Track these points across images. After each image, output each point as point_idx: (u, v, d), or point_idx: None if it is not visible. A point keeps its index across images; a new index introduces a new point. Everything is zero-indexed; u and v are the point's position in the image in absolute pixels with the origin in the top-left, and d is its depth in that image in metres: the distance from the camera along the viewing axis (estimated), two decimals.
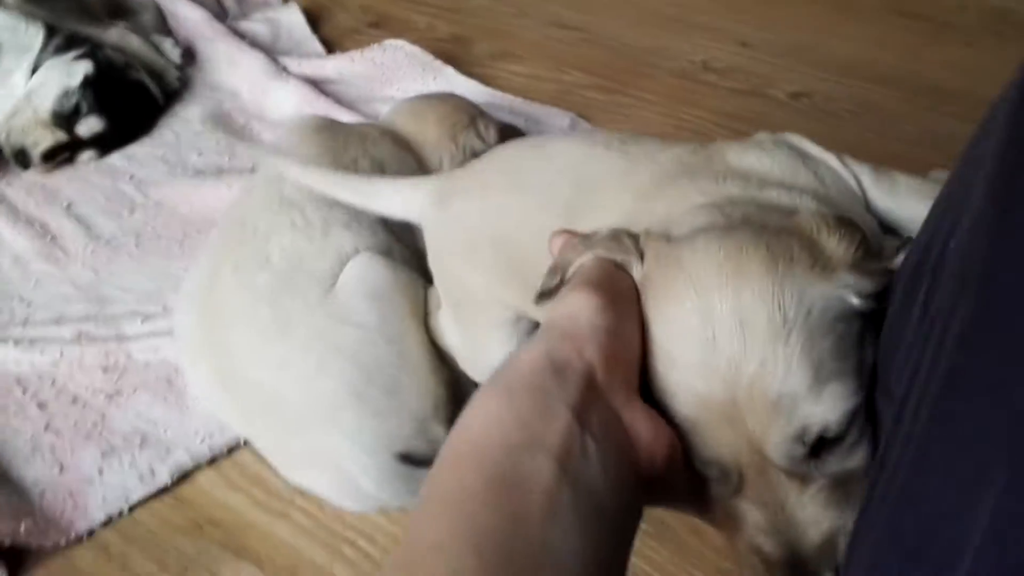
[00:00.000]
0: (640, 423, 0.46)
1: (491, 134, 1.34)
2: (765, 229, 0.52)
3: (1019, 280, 0.35)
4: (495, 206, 0.87)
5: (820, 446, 0.49)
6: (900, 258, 0.52)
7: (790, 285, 0.48)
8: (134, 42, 1.71)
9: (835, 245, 0.51)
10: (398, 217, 1.06)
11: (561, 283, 0.55)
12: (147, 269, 1.36)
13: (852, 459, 0.50)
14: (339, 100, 1.65)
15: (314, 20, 1.96)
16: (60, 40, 1.61)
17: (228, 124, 1.67)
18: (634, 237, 0.55)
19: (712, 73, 1.70)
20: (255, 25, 1.91)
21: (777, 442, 0.47)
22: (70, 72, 1.58)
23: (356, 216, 1.14)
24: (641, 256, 0.54)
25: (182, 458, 1.09)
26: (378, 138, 1.28)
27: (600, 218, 0.63)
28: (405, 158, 1.29)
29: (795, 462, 0.48)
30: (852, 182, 0.67)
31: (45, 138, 1.56)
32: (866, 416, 0.50)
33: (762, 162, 0.66)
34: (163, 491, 1.07)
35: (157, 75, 1.71)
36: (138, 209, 1.49)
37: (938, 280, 0.44)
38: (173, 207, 1.48)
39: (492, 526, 0.39)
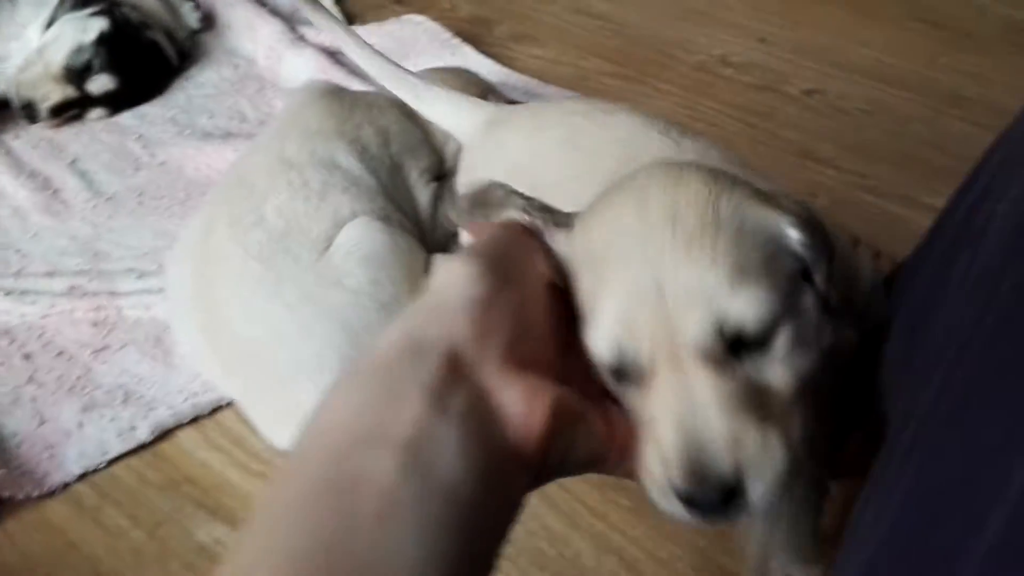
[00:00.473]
0: (514, 399, 0.42)
1: None
2: None
3: None
4: (543, 152, 0.85)
5: (740, 347, 0.48)
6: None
7: (727, 197, 0.49)
8: (151, 1, 1.70)
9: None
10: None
11: (475, 216, 0.54)
12: (147, 227, 1.35)
13: (774, 373, 0.48)
14: (354, 71, 1.63)
15: None
16: None
17: (242, 89, 1.66)
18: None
19: (729, 67, 1.68)
20: None
21: (694, 327, 0.47)
22: (85, 28, 1.57)
23: (355, 180, 1.12)
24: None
25: (164, 415, 1.07)
26: (385, 107, 1.26)
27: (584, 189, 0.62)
28: (411, 129, 1.27)
29: (711, 354, 0.47)
30: None
31: (54, 92, 1.55)
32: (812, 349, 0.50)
33: None
34: (142, 447, 1.05)
35: (173, 36, 1.70)
36: (143, 168, 1.47)
37: (983, 244, 0.44)
38: (178, 168, 1.46)
39: (312, 535, 0.36)
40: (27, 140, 1.54)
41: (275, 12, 1.78)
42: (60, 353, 1.16)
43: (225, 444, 1.05)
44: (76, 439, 1.05)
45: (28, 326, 1.19)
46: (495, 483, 0.40)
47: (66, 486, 1.01)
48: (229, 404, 1.08)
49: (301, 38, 1.71)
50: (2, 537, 0.97)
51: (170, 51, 1.67)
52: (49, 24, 1.60)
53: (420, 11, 1.84)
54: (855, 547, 0.48)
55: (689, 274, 0.47)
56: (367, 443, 0.38)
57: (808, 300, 0.51)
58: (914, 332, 0.52)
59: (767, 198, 0.51)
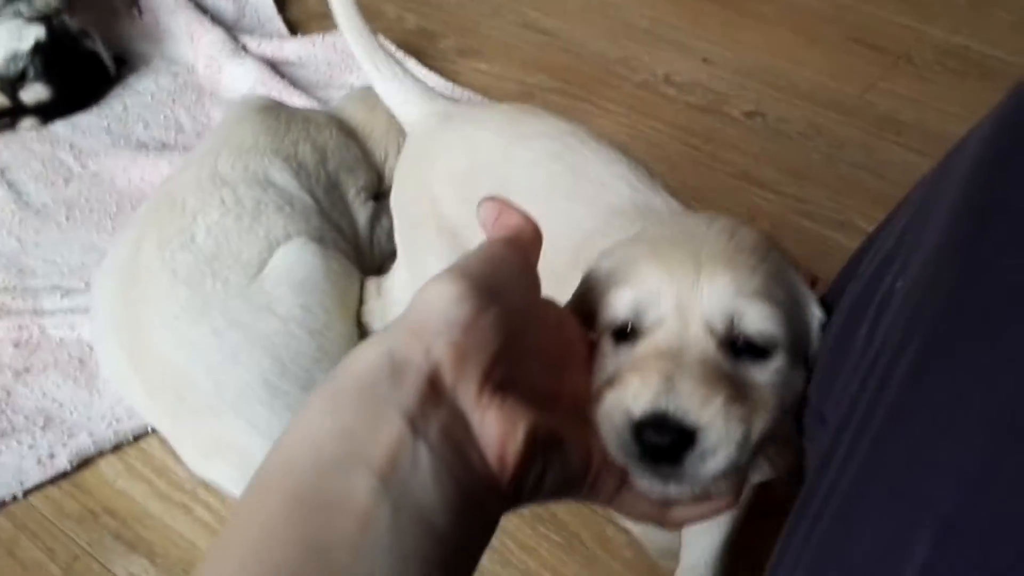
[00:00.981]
0: (491, 424, 0.42)
1: None
2: None
3: (970, 325, 0.37)
4: (524, 160, 0.86)
5: (739, 351, 0.52)
6: None
7: (778, 254, 0.56)
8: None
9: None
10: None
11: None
12: (75, 242, 1.31)
13: (759, 381, 0.52)
14: (295, 83, 1.61)
15: (283, 1, 1.92)
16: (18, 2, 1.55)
17: (180, 99, 1.62)
18: None
19: (672, 87, 1.68)
20: (221, 1, 1.86)
21: (713, 308, 0.51)
22: (21, 36, 1.52)
23: (290, 199, 1.10)
24: None
25: (84, 443, 1.04)
26: (323, 124, 1.24)
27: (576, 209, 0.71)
28: (350, 146, 1.25)
29: (716, 336, 0.51)
30: None
31: None
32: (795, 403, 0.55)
33: None
34: (61, 476, 1.02)
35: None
36: (74, 179, 1.44)
37: (884, 316, 0.46)
38: (110, 179, 1.43)
39: (287, 555, 0.35)
40: None
41: (217, 21, 1.75)
42: None
43: (147, 473, 1.03)
44: None
45: None
46: (469, 509, 0.40)
47: None
48: (153, 431, 1.05)
49: (242, 48, 1.68)
50: None
51: (109, 61, 1.63)
52: None
53: (365, 21, 1.82)
54: None
55: (728, 273, 0.52)
56: (344, 465, 0.38)
57: (800, 369, 0.56)
58: (823, 390, 0.52)
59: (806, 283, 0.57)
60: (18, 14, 1.54)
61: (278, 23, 1.84)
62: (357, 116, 1.32)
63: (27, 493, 1.00)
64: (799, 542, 0.41)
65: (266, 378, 0.95)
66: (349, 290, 1.08)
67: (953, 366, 0.37)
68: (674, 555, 0.87)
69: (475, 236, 0.53)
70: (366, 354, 0.41)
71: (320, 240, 1.09)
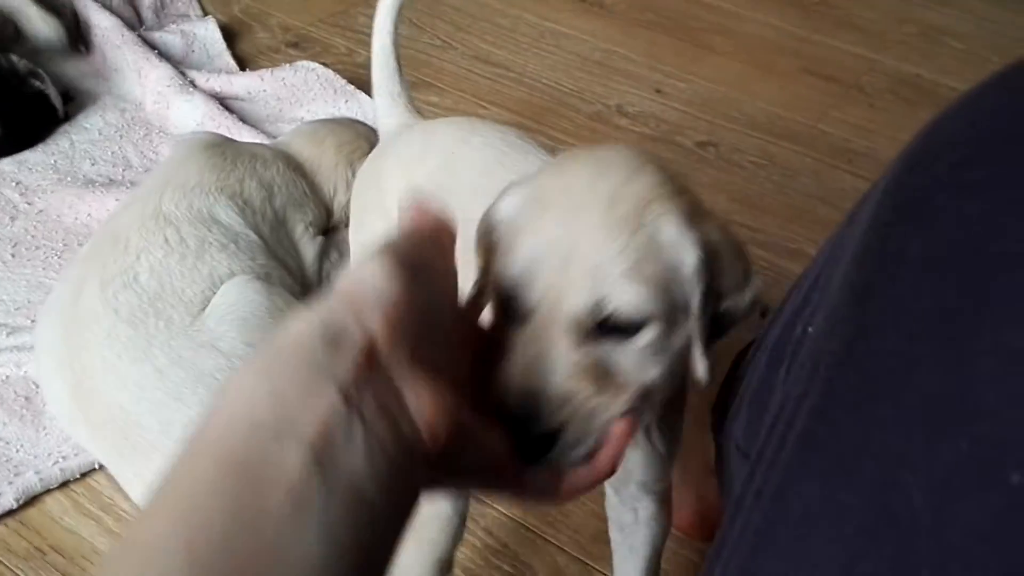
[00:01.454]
0: (423, 399, 0.42)
1: None
2: None
3: (858, 391, 0.38)
4: (453, 136, 0.92)
5: (606, 329, 0.53)
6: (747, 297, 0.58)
7: (659, 204, 0.55)
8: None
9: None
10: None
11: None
12: (20, 279, 1.29)
13: (623, 361, 0.54)
14: (245, 118, 1.60)
15: (232, 36, 1.92)
16: None
17: (128, 135, 1.61)
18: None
19: (625, 117, 1.70)
20: (169, 36, 1.85)
21: (578, 297, 0.52)
22: None
23: (235, 237, 1.09)
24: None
25: (31, 480, 1.02)
26: (270, 160, 1.24)
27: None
28: (297, 181, 1.25)
29: (580, 325, 0.52)
30: None
31: None
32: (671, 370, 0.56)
33: None
34: (7, 514, 1.00)
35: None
36: (20, 217, 1.42)
37: (795, 361, 0.48)
38: (57, 216, 1.41)
39: (215, 522, 0.34)
40: None
41: (165, 56, 1.74)
42: None
43: (94, 510, 1.01)
44: None
45: None
46: (400, 481, 0.40)
47: None
48: (100, 468, 1.04)
49: (191, 83, 1.67)
50: None
51: (56, 101, 1.61)
52: None
53: (316, 56, 1.82)
54: None
55: (597, 255, 0.53)
56: (277, 434, 0.37)
57: (683, 325, 0.56)
58: (750, 426, 0.53)
59: (696, 220, 0.56)
60: None
61: (227, 58, 1.84)
62: (305, 151, 1.31)
63: None
64: (734, 538, 0.43)
65: None
66: None
67: (837, 437, 0.39)
68: None
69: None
70: (299, 323, 0.41)
71: (266, 277, 1.08)
